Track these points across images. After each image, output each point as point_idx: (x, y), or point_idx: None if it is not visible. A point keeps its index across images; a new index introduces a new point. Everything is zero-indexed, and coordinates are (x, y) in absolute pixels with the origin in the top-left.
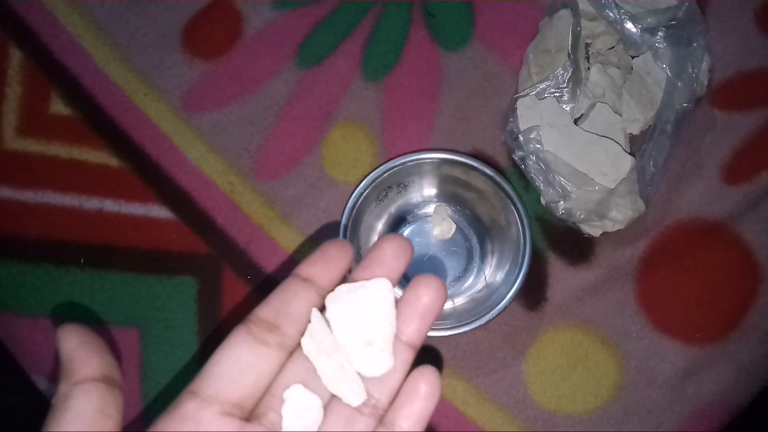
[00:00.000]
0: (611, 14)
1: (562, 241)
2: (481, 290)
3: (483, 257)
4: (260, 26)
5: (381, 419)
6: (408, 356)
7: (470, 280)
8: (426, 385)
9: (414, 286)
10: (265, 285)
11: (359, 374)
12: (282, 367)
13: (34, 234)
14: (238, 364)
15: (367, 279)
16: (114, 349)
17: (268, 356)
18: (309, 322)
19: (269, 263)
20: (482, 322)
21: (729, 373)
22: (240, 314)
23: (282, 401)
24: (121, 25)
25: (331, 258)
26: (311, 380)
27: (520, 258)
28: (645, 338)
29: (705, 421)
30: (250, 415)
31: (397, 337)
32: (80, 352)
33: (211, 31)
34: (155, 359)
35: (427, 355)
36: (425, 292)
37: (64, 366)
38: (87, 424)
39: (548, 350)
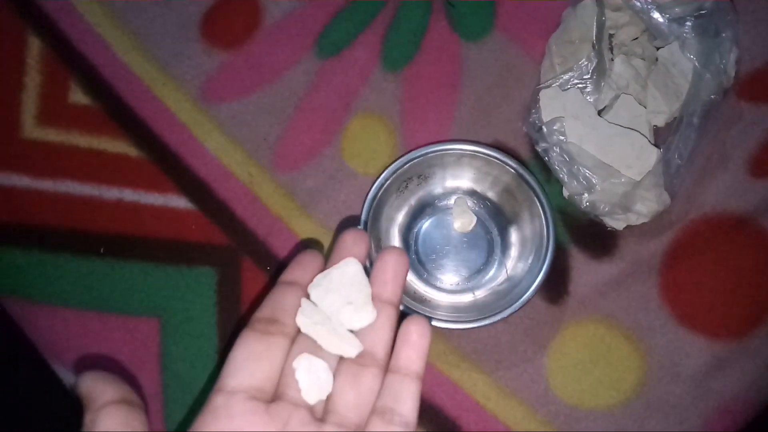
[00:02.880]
0: (638, 4)
1: (585, 234)
2: (502, 283)
3: (504, 250)
4: (279, 16)
5: (384, 368)
6: (391, 312)
7: (491, 273)
8: (416, 326)
9: (379, 257)
10: None
11: (351, 331)
12: (289, 352)
13: (53, 223)
14: (250, 355)
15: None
16: (133, 338)
17: (275, 343)
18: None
19: (288, 255)
20: (504, 316)
21: (754, 369)
22: (260, 305)
23: (295, 379)
24: (139, 14)
25: (306, 264)
26: (316, 352)
27: (543, 251)
28: (669, 333)
29: (729, 418)
30: (273, 396)
31: (377, 299)
32: (96, 386)
33: (230, 21)
34: (175, 350)
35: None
36: (389, 258)
37: (86, 403)
38: None
39: (570, 344)
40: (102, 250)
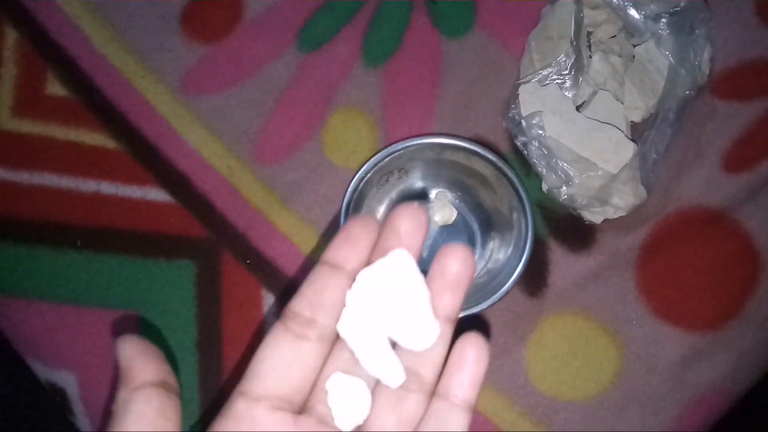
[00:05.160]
0: (615, 1)
1: (564, 227)
2: (482, 276)
3: (484, 243)
4: (260, 9)
5: (431, 393)
6: (447, 330)
7: None
8: (473, 350)
9: (440, 257)
10: (264, 269)
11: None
12: (326, 358)
13: (29, 216)
14: (281, 361)
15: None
16: (111, 332)
17: (310, 350)
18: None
19: (268, 247)
20: (483, 308)
21: (729, 360)
22: (240, 298)
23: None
24: (118, 6)
25: (356, 239)
26: (354, 367)
27: (522, 244)
28: (645, 325)
29: (705, 408)
30: (301, 408)
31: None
32: (138, 360)
33: (211, 14)
34: (153, 343)
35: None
36: (453, 262)
37: (123, 374)
38: (148, 425)
39: (549, 336)
40: (79, 243)
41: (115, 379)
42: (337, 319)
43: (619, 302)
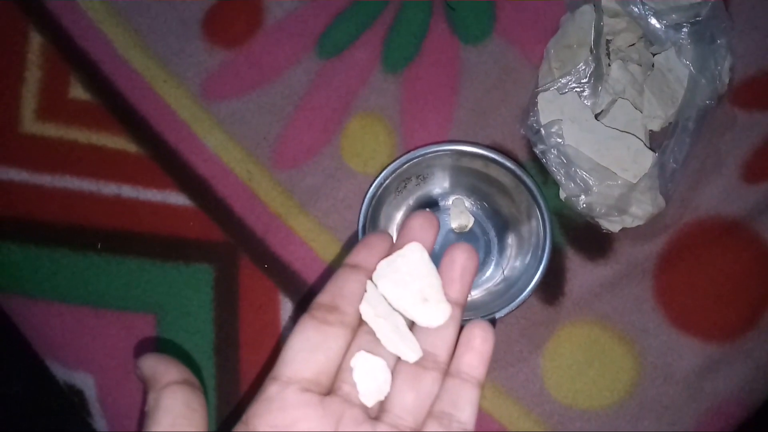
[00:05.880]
0: (636, 10)
1: (581, 236)
2: (498, 284)
3: (501, 251)
4: (281, 15)
5: (445, 372)
6: (457, 313)
7: (488, 273)
8: (480, 332)
9: (448, 252)
10: (282, 273)
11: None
12: (349, 344)
13: (51, 218)
14: (307, 345)
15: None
16: (129, 334)
17: (333, 334)
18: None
19: (286, 252)
20: (500, 315)
21: (746, 371)
22: (257, 302)
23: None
24: (141, 12)
25: (373, 245)
26: (376, 347)
27: (539, 252)
28: (662, 335)
29: (721, 419)
30: (328, 390)
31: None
32: (159, 367)
33: (232, 20)
34: (171, 345)
35: None
36: (459, 256)
37: (148, 381)
38: (177, 416)
39: (565, 345)
40: (99, 246)
41: (132, 382)
42: (358, 308)
43: (636, 311)
